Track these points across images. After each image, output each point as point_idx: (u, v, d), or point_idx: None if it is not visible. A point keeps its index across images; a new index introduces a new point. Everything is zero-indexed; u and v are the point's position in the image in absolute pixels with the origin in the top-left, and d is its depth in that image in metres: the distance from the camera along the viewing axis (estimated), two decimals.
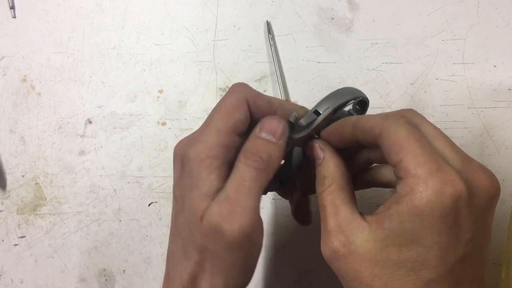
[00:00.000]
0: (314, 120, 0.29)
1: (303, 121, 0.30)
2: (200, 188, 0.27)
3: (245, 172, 0.27)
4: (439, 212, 0.23)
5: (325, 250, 0.27)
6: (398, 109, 0.43)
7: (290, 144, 0.29)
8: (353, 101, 0.30)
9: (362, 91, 0.31)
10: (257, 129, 0.28)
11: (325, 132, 0.30)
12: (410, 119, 0.27)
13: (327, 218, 0.27)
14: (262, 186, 0.27)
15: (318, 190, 0.28)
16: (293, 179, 0.34)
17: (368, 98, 0.32)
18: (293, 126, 0.29)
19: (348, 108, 0.32)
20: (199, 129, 0.29)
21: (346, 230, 0.26)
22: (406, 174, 0.24)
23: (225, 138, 0.28)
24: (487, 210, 0.26)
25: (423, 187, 0.24)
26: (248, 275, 0.29)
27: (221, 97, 0.30)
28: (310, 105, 0.44)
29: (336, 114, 0.30)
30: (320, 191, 0.28)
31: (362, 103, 0.32)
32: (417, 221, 0.24)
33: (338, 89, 0.30)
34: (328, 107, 0.29)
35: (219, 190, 0.27)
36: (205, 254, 0.27)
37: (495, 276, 0.41)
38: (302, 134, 0.29)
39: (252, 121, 0.30)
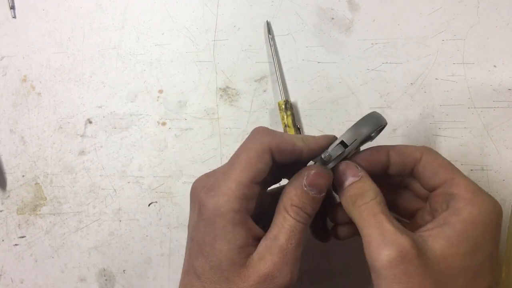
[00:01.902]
0: (343, 152, 0.30)
1: (331, 152, 0.30)
2: (231, 241, 0.28)
3: (294, 225, 0.29)
4: (496, 223, 0.28)
5: (387, 253, 0.26)
6: (398, 109, 0.43)
7: None
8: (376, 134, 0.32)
9: (382, 115, 0.31)
10: (304, 181, 0.29)
11: (358, 158, 0.32)
12: None
13: (383, 224, 0.27)
14: (305, 235, 0.29)
15: (357, 203, 0.29)
16: None
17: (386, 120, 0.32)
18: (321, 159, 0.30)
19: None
20: (219, 173, 0.30)
21: (408, 237, 0.26)
22: (462, 190, 0.28)
23: (246, 189, 0.28)
24: None
25: (482, 200, 0.28)
26: None
27: (242, 142, 0.30)
28: (310, 105, 0.44)
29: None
30: (363, 203, 0.29)
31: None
32: (480, 229, 0.27)
33: (364, 117, 0.30)
34: (356, 140, 0.30)
35: (247, 241, 0.28)
36: None
37: (495, 276, 0.40)
38: (332, 165, 0.31)
39: (276, 165, 0.30)
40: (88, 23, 0.48)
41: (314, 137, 0.31)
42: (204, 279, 0.29)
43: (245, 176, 0.28)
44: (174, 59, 0.46)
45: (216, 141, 0.45)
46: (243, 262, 0.28)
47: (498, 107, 0.42)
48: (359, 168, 0.30)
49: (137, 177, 0.45)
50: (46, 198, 0.46)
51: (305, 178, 0.29)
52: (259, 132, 0.30)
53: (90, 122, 0.47)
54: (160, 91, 0.46)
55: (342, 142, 0.30)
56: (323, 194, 0.30)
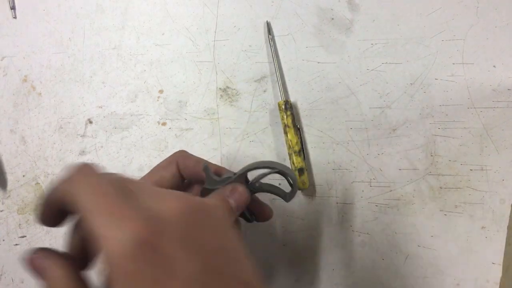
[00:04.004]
0: (229, 177, 0.33)
1: (222, 177, 0.33)
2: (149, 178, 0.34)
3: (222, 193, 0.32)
4: (129, 264, 0.21)
5: None
6: (398, 109, 0.43)
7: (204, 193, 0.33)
8: (270, 172, 0.33)
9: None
10: (227, 192, 0.32)
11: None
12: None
13: None
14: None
15: None
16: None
17: (293, 174, 0.34)
18: (208, 178, 0.33)
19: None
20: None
21: None
22: (93, 238, 0.21)
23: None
24: (195, 231, 0.24)
25: (106, 244, 0.21)
26: None
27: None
28: (310, 105, 0.44)
29: (259, 183, 0.34)
30: None
31: (291, 180, 0.34)
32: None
33: (264, 161, 0.34)
34: (243, 171, 0.33)
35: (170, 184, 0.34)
36: None
37: (495, 276, 0.41)
38: (214, 186, 0.33)
39: (186, 177, 0.35)
40: (88, 23, 0.48)
41: (216, 165, 0.35)
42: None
43: (149, 178, 0.35)
44: (174, 59, 0.47)
45: (216, 141, 0.45)
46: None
47: (497, 107, 0.42)
48: (43, 258, 0.25)
49: (138, 177, 0.45)
50: None
51: (228, 190, 0.32)
52: (175, 152, 0.36)
53: (91, 122, 0.47)
54: (160, 91, 0.46)
55: (234, 173, 0.33)
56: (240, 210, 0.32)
